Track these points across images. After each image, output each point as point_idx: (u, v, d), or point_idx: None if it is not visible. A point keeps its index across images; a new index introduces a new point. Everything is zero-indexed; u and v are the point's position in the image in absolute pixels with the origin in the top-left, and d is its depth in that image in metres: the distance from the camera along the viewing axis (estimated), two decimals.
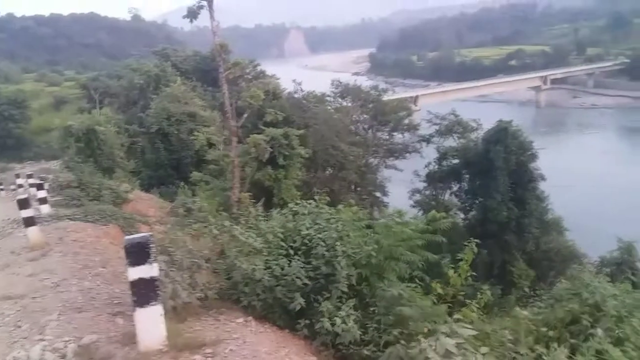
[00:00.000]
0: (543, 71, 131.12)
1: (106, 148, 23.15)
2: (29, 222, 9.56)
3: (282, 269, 6.57)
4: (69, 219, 11.58)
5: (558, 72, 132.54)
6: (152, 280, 4.65)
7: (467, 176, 34.57)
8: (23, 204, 9.69)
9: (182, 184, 17.40)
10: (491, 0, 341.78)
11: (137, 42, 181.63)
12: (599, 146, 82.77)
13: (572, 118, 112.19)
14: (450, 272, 6.54)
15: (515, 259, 29.92)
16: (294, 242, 7.28)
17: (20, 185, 24.40)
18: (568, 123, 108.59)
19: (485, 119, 38.91)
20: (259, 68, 53.29)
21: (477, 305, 6.59)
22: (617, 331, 6.10)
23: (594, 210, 49.00)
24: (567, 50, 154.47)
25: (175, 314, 5.63)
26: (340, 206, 8.59)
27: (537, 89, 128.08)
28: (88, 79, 75.03)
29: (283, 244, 7.18)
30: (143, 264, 4.59)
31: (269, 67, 61.70)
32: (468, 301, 6.68)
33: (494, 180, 30.42)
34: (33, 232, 9.54)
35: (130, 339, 4.98)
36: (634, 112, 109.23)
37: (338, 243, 6.96)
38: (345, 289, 6.58)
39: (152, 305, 4.67)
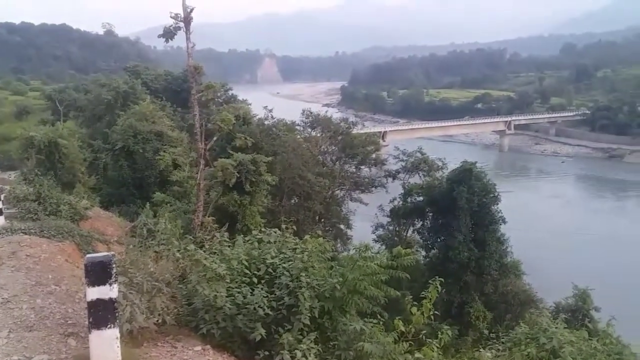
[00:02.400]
0: (508, 116, 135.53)
1: (68, 162, 22.63)
2: None
3: (245, 297, 6.47)
4: (23, 232, 11.13)
5: (522, 118, 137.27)
6: (110, 301, 4.50)
7: (431, 214, 34.96)
8: None
9: (147, 203, 17.03)
10: (461, 44, 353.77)
11: (108, 58, 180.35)
12: (557, 192, 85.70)
13: (533, 164, 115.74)
14: (414, 310, 6.53)
15: (474, 300, 30.18)
16: (258, 270, 7.19)
17: None
18: (530, 168, 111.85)
19: (451, 159, 39.72)
20: (230, 92, 53.45)
21: (437, 345, 6.59)
22: None
23: (547, 253, 50.46)
24: (531, 97, 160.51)
25: (131, 338, 5.46)
26: (306, 237, 8.54)
27: (501, 133, 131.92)
28: (54, 91, 73.32)
29: (247, 271, 7.08)
30: (103, 284, 4.44)
31: (241, 92, 62.06)
32: (428, 340, 6.68)
33: (456, 220, 30.82)
34: None
35: None
36: (592, 162, 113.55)
37: (303, 274, 6.91)
38: (307, 322, 6.49)
39: (109, 328, 4.51)
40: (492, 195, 32.27)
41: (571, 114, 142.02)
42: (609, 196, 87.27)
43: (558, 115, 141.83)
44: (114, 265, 4.49)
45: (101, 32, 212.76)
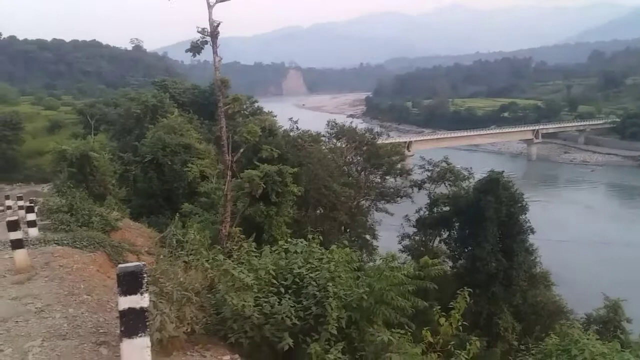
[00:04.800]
0: (535, 125, 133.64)
1: (99, 175, 23.01)
2: (17, 244, 9.41)
3: (272, 307, 6.49)
4: (56, 243, 11.41)
5: (550, 127, 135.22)
6: (141, 310, 4.55)
7: (457, 224, 34.58)
8: (12, 226, 9.55)
9: (175, 214, 17.24)
10: (485, 53, 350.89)
11: (136, 72, 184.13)
12: (587, 201, 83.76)
13: (562, 173, 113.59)
14: (442, 321, 6.49)
15: (502, 311, 29.71)
16: (285, 280, 7.21)
17: (9, 207, 24.16)
18: (559, 177, 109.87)
19: (477, 169, 39.32)
20: (256, 104, 53.83)
21: (466, 356, 6.52)
22: None
23: (577, 263, 49.45)
24: (559, 106, 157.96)
25: (162, 347, 5.53)
26: (333, 247, 8.56)
27: (528, 142, 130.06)
28: (85, 105, 75.02)
29: (274, 281, 7.10)
30: (134, 293, 4.50)
31: (267, 104, 62.44)
32: (457, 351, 6.61)
33: (483, 230, 30.46)
34: (20, 255, 9.37)
35: None
36: (623, 171, 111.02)
37: (330, 284, 6.91)
38: (335, 332, 6.49)
39: (140, 336, 4.56)
40: (520, 204, 31.82)
41: (600, 122, 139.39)
42: None
43: (587, 123, 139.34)
44: (145, 275, 4.56)
45: (130, 47, 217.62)
